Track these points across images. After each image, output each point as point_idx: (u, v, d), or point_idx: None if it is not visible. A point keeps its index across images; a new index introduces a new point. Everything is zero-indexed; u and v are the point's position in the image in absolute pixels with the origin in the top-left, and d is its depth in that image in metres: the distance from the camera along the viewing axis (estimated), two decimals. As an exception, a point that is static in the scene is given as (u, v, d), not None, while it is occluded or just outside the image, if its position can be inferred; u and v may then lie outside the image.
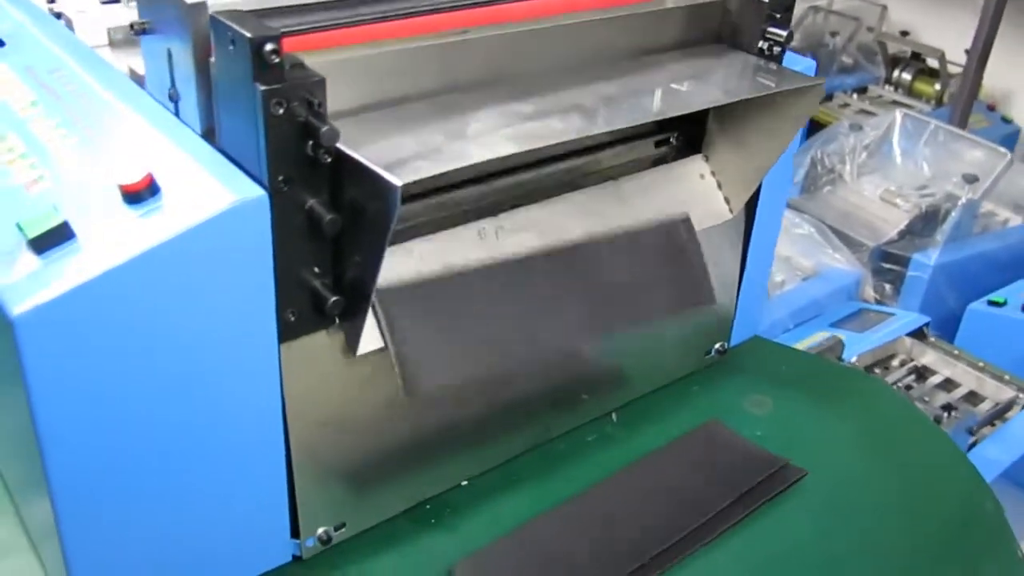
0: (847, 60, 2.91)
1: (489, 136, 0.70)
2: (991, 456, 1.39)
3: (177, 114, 0.70)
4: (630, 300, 0.87)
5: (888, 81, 2.92)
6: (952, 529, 0.97)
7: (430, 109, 0.71)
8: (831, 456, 0.96)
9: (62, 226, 0.58)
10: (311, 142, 0.61)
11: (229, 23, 0.59)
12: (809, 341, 1.65)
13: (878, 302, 1.98)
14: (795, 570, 0.85)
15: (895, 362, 1.62)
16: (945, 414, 1.42)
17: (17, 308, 0.54)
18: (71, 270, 0.56)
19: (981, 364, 1.58)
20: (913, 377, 1.57)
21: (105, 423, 0.60)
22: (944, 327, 1.89)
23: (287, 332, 0.67)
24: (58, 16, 0.90)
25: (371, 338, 0.70)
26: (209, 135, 0.67)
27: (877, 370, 1.53)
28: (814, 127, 2.42)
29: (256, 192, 0.60)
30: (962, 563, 0.97)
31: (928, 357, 1.62)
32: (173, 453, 0.64)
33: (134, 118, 0.69)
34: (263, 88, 0.57)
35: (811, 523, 0.89)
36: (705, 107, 0.83)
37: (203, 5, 0.63)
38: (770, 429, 0.97)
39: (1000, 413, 1.50)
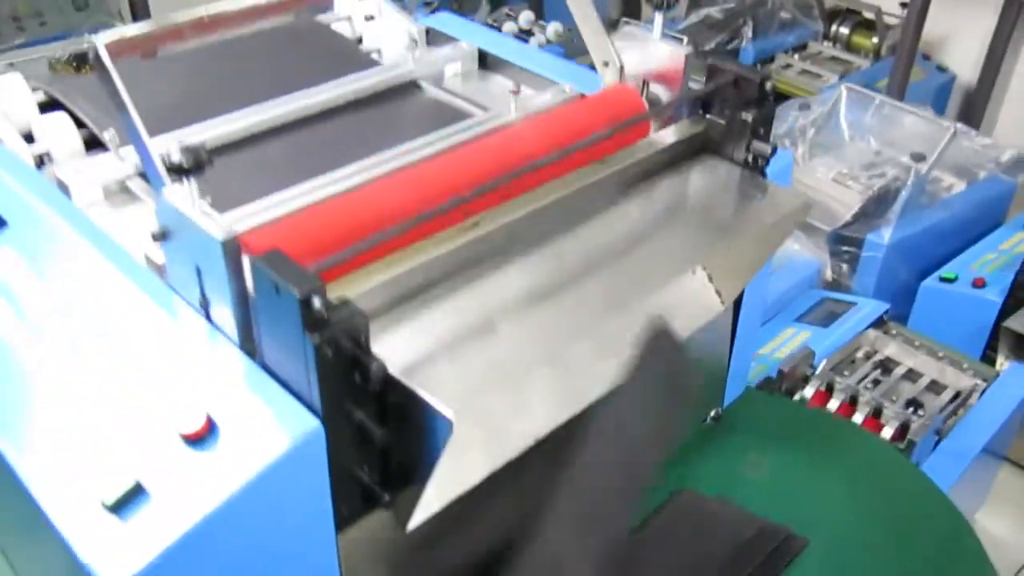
0: (785, 16, 2.94)
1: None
2: (958, 448, 1.49)
3: (208, 317, 0.72)
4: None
5: (827, 37, 2.96)
6: (940, 565, 1.07)
7: (453, 301, 0.75)
8: (825, 514, 1.04)
9: (135, 487, 0.61)
10: (358, 373, 0.64)
11: (273, 274, 0.61)
12: (779, 342, 1.73)
13: (836, 282, 2.06)
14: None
15: (860, 354, 1.71)
16: (912, 414, 1.51)
17: (110, 578, 0.58)
18: (151, 535, 0.59)
19: (941, 353, 1.67)
20: (879, 371, 1.66)
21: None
22: (901, 302, 1.98)
23: (342, 523, 0.71)
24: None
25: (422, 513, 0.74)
26: (247, 347, 0.70)
27: (846, 372, 1.61)
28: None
29: (312, 424, 0.64)
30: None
31: (891, 348, 1.70)
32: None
33: (175, 333, 0.71)
34: (314, 337, 0.60)
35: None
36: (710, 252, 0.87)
37: (236, 243, 0.65)
38: (767, 493, 1.05)
39: (963, 401, 1.60)
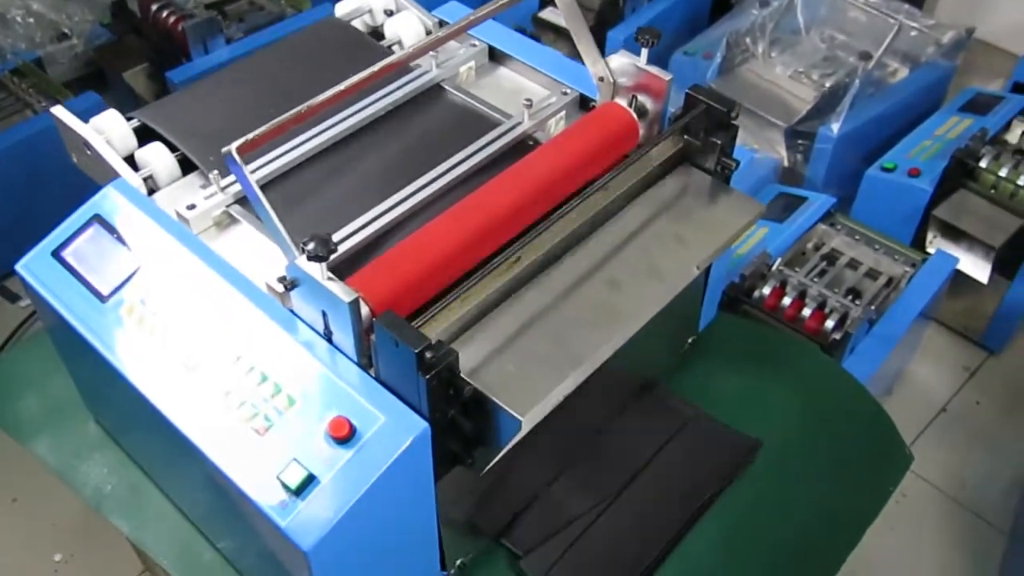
0: None
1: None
2: (888, 332, 1.82)
3: (329, 340, 0.99)
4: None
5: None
6: (862, 459, 1.40)
7: (507, 317, 1.02)
8: (775, 419, 1.37)
9: (309, 476, 0.90)
10: (452, 389, 0.92)
11: (394, 335, 0.88)
12: (741, 240, 2.01)
13: (791, 171, 2.33)
14: (763, 522, 1.27)
15: (810, 246, 2.00)
16: (851, 303, 1.82)
17: (306, 543, 0.88)
18: (327, 509, 0.89)
19: (877, 244, 1.97)
20: (825, 263, 1.95)
21: (360, 562, 0.96)
22: (850, 188, 2.25)
23: (437, 478, 1.01)
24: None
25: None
26: (363, 363, 0.98)
27: (797, 267, 1.91)
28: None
29: (421, 425, 0.93)
30: (868, 466, 1.41)
31: (836, 241, 1.99)
32: (396, 549, 1.01)
33: (305, 353, 0.98)
34: (426, 377, 0.88)
35: (767, 483, 1.30)
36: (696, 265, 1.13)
37: (358, 302, 0.92)
38: (732, 404, 1.36)
39: (895, 286, 1.91)
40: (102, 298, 1.07)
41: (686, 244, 1.12)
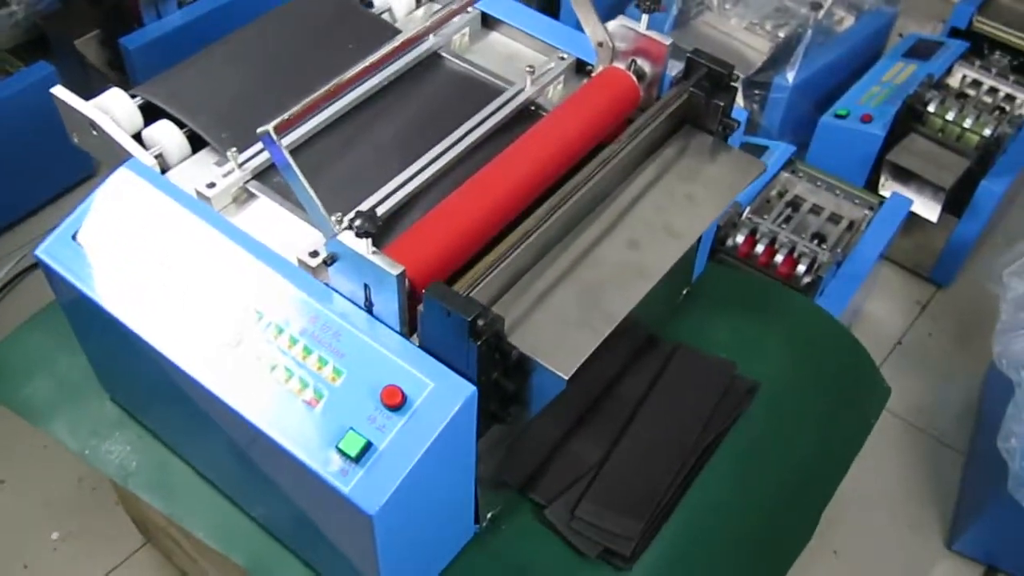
0: None
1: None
2: (854, 271, 1.92)
3: (370, 312, 1.03)
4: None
5: None
6: (849, 394, 1.50)
7: (537, 280, 1.06)
8: (766, 363, 1.44)
9: (367, 444, 0.94)
10: (498, 353, 0.97)
11: (445, 304, 0.92)
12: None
13: (750, 121, 2.41)
14: (767, 457, 1.35)
15: (774, 194, 2.08)
16: (818, 247, 1.91)
17: (371, 507, 0.92)
18: (387, 474, 0.93)
19: (838, 189, 2.06)
20: (790, 209, 2.04)
21: (414, 522, 1.01)
22: (806, 136, 2.34)
23: (479, 435, 1.06)
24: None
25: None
26: (406, 332, 1.01)
27: (765, 215, 1.99)
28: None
29: (470, 388, 0.97)
30: (855, 400, 1.51)
31: (799, 188, 2.08)
32: (442, 507, 1.06)
33: (356, 335, 1.01)
34: (477, 343, 0.92)
35: (767, 421, 1.38)
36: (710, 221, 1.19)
37: (404, 275, 0.95)
38: (726, 349, 1.44)
39: (856, 228, 2.01)
40: (131, 281, 1.08)
41: (696, 202, 1.17)
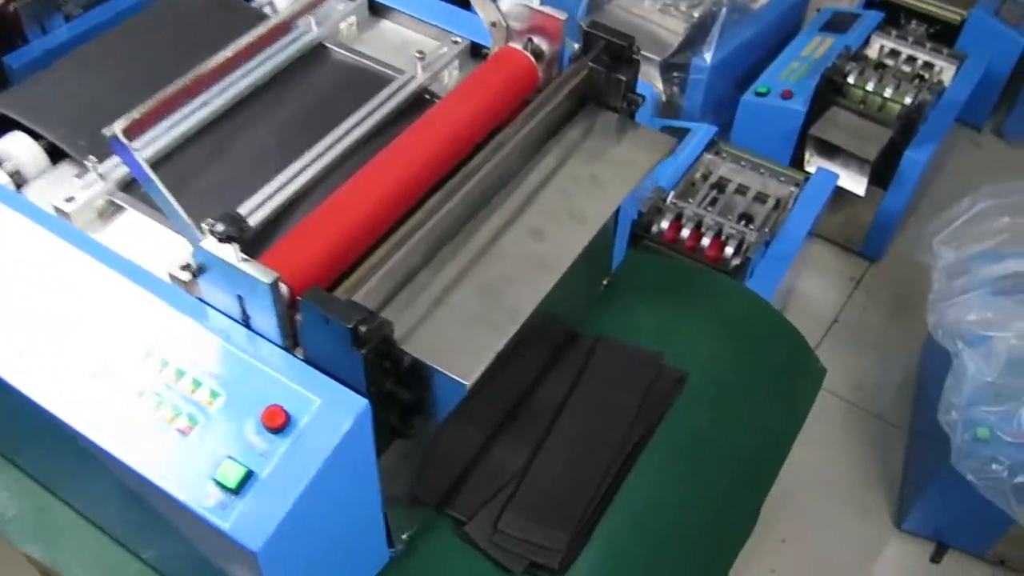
0: None
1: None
2: (783, 250, 1.86)
3: (247, 326, 0.93)
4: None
5: None
6: (784, 377, 1.43)
7: (432, 275, 0.98)
8: (695, 350, 1.37)
9: (248, 473, 0.85)
10: (388, 361, 0.88)
11: (322, 311, 0.82)
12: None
13: (669, 103, 2.35)
14: (703, 450, 1.28)
15: (698, 176, 2.02)
16: (745, 227, 1.85)
17: (254, 543, 0.82)
18: (271, 504, 0.84)
19: (762, 168, 2.01)
20: (716, 191, 1.98)
21: (309, 553, 0.91)
22: (727, 115, 2.29)
23: (379, 452, 0.97)
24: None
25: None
26: (288, 345, 0.92)
27: (690, 198, 1.93)
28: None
29: (362, 403, 0.88)
30: (790, 384, 1.44)
31: (723, 169, 2.02)
32: (344, 532, 0.97)
33: (222, 342, 0.92)
34: (362, 351, 0.83)
35: (699, 412, 1.31)
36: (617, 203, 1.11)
37: (278, 282, 0.86)
38: (653, 339, 1.36)
39: (783, 207, 1.96)
40: (-18, 310, 0.97)
41: (603, 184, 1.10)
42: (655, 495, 1.22)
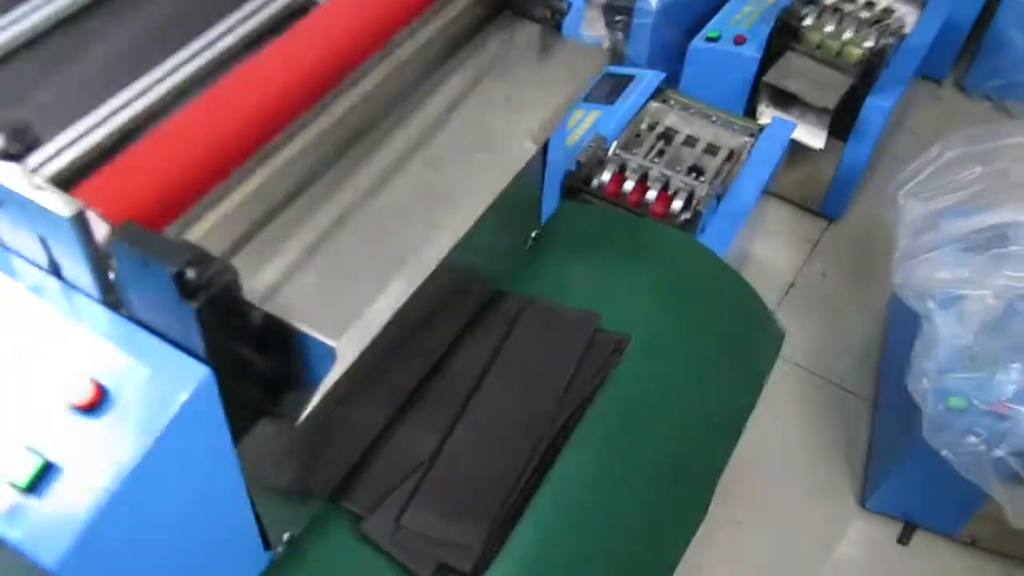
0: None
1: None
2: (736, 207, 1.69)
3: (59, 276, 0.73)
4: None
5: None
6: (736, 330, 1.26)
7: (298, 215, 0.78)
8: (638, 310, 1.19)
9: (45, 465, 0.64)
10: (236, 319, 0.68)
11: (140, 251, 0.62)
12: (571, 126, 1.83)
13: (613, 50, 2.16)
14: (644, 426, 1.10)
15: (644, 126, 1.84)
16: (695, 180, 1.68)
17: (49, 557, 0.63)
18: (76, 505, 0.64)
19: (713, 117, 1.83)
20: (663, 142, 1.80)
21: (140, 566, 0.71)
22: (675, 63, 2.11)
23: (237, 436, 0.77)
24: None
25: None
26: (110, 301, 0.71)
27: (635, 149, 1.75)
28: None
29: (201, 371, 0.68)
30: (746, 348, 1.27)
31: (670, 118, 1.84)
32: (194, 535, 0.77)
33: (28, 296, 0.71)
34: (194, 305, 0.63)
35: (641, 380, 1.13)
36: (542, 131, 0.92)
37: (84, 216, 0.65)
38: (590, 298, 1.18)
39: (736, 159, 1.79)
40: None
41: (521, 108, 0.90)
42: (589, 482, 1.04)
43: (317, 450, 0.91)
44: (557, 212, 1.26)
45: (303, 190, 0.80)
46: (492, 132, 0.88)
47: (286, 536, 0.92)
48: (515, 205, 1.10)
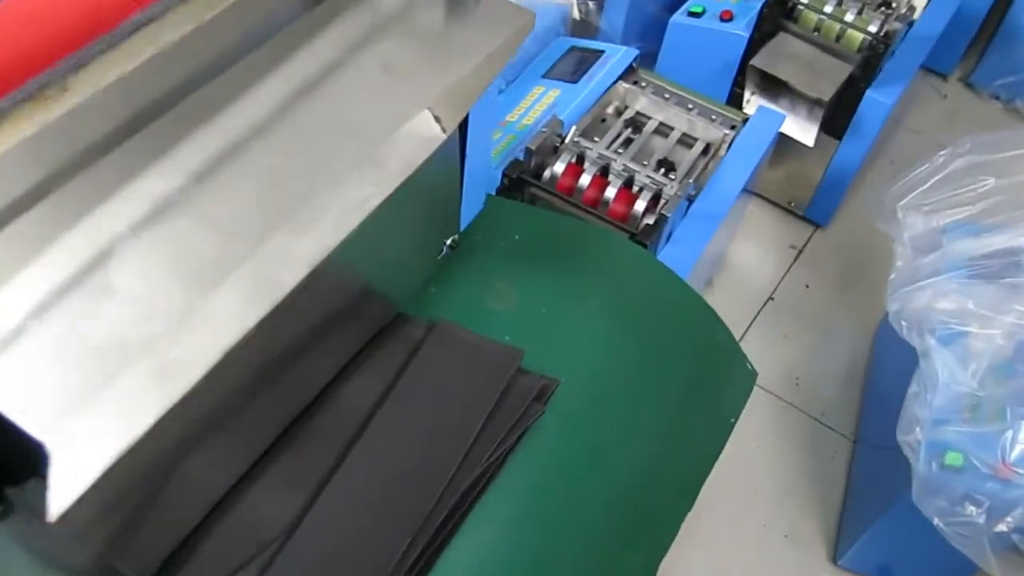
0: None
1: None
2: (709, 210, 1.45)
3: None
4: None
5: None
6: (698, 372, 1.03)
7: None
8: (578, 342, 0.96)
9: None
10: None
11: None
12: (527, 104, 1.59)
13: (584, 23, 1.91)
14: (561, 497, 0.87)
15: (611, 110, 1.60)
16: (664, 177, 1.44)
17: None
18: None
19: (691, 104, 1.59)
20: (631, 130, 1.56)
21: None
22: (653, 40, 1.87)
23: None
24: None
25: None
26: None
27: (596, 136, 1.50)
28: None
29: None
30: (709, 395, 1.04)
31: (641, 102, 1.60)
32: None
33: None
34: None
35: (568, 437, 0.90)
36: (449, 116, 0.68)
37: None
38: (516, 326, 0.94)
39: (713, 153, 1.55)
40: None
41: (415, 83, 0.66)
42: (495, 566, 0.81)
43: (148, 515, 0.67)
44: (484, 214, 1.02)
45: (86, 167, 0.55)
46: (371, 117, 0.64)
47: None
48: (420, 207, 0.86)
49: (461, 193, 0.94)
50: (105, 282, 0.52)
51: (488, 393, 0.86)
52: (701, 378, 1.02)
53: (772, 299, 1.85)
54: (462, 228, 0.99)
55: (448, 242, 0.97)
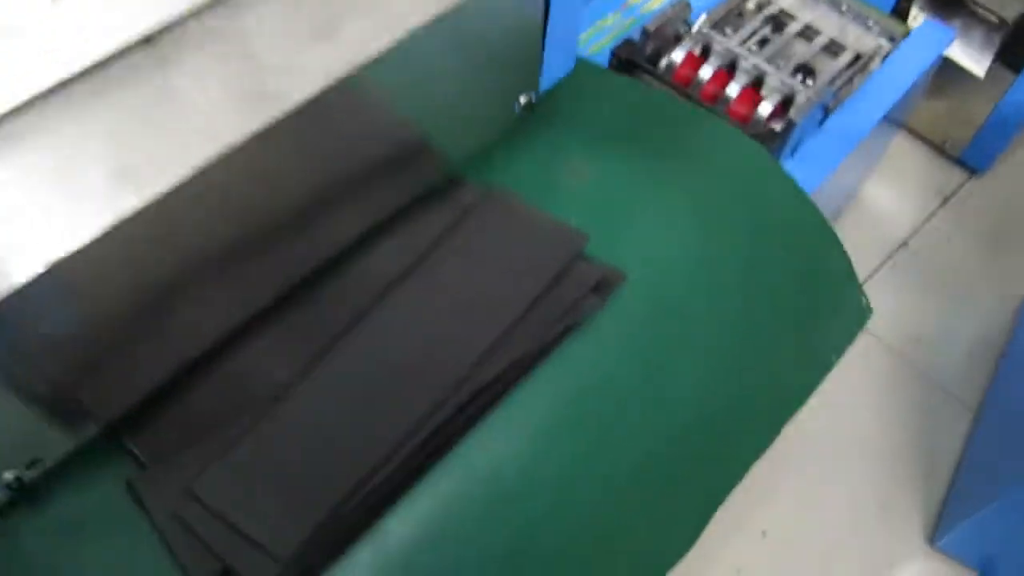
0: None
1: None
2: (846, 128, 1.26)
3: None
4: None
5: None
6: (799, 294, 0.87)
7: None
8: (665, 244, 0.81)
9: None
10: None
11: None
12: (652, -7, 1.42)
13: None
14: (613, 413, 0.73)
15: (751, 5, 1.41)
16: (801, 83, 1.25)
17: None
18: None
19: (846, 6, 1.38)
20: (770, 28, 1.37)
21: None
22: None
23: None
24: None
25: None
26: None
27: (728, 29, 1.32)
28: None
29: None
30: (809, 322, 0.88)
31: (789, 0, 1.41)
32: None
33: None
34: None
35: (625, 335, 0.76)
36: None
37: None
38: (587, 211, 0.80)
39: (863, 66, 1.35)
40: None
41: None
42: (529, 472, 0.69)
43: (104, 357, 0.58)
44: (571, 77, 0.87)
45: None
46: None
47: (11, 475, 0.60)
48: (485, 44, 0.72)
49: (543, 43, 0.80)
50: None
51: (539, 273, 0.73)
52: (802, 301, 0.86)
53: (906, 246, 1.64)
54: (542, 89, 0.85)
55: (522, 100, 0.82)
